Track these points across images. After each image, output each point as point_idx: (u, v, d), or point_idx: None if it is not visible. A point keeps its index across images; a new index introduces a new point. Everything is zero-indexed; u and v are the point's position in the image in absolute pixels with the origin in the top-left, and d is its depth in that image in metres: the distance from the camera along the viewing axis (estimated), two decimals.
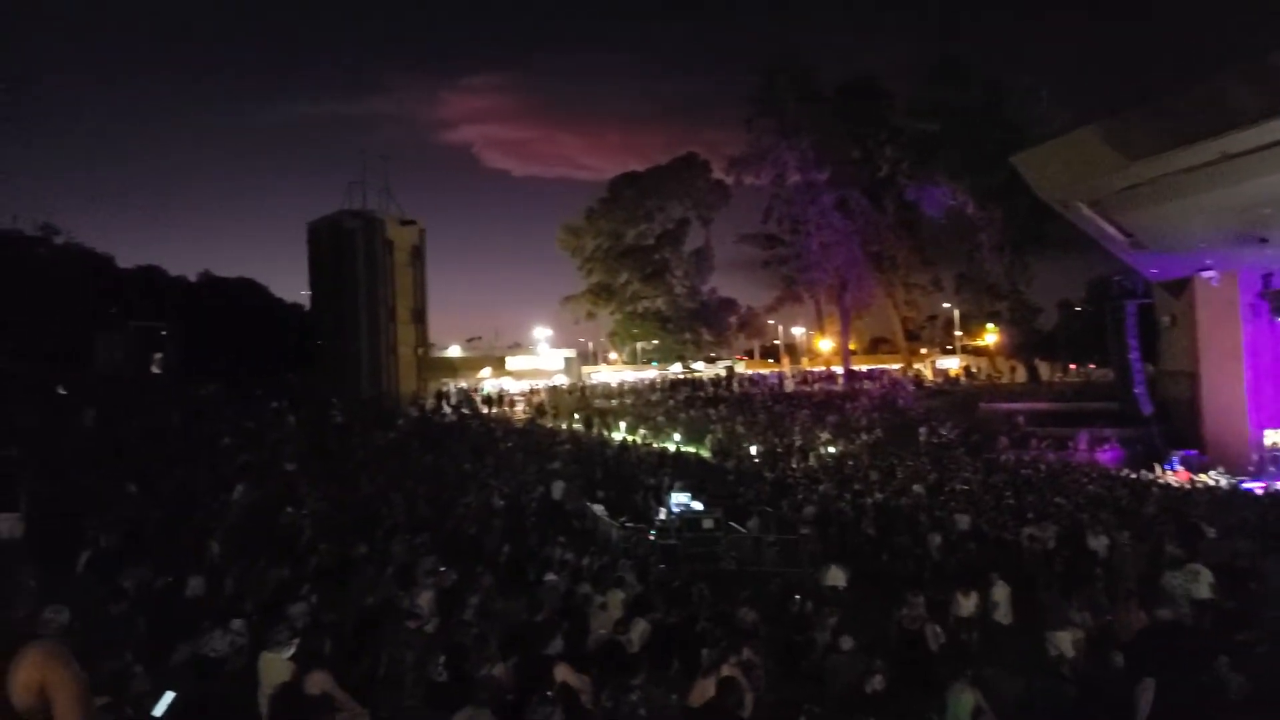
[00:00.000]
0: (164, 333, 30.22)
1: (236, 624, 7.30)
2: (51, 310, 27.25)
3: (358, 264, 37.63)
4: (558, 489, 20.65)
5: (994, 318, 60.51)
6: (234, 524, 12.59)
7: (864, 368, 62.00)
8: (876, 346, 73.84)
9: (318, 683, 5.98)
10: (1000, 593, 12.34)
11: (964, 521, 19.65)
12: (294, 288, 61.67)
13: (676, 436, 36.51)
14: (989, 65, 57.61)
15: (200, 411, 22.53)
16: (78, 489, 12.79)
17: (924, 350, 69.14)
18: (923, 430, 40.04)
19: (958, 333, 65.91)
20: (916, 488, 25.91)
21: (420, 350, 40.41)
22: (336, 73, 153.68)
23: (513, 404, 42.37)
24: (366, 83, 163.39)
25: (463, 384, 43.67)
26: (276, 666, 6.43)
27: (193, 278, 43.39)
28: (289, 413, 25.53)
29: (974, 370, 62.15)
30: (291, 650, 6.62)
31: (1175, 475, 33.37)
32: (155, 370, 28.72)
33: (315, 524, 13.37)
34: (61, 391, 21.27)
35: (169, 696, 5.74)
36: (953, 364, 64.14)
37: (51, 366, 24.16)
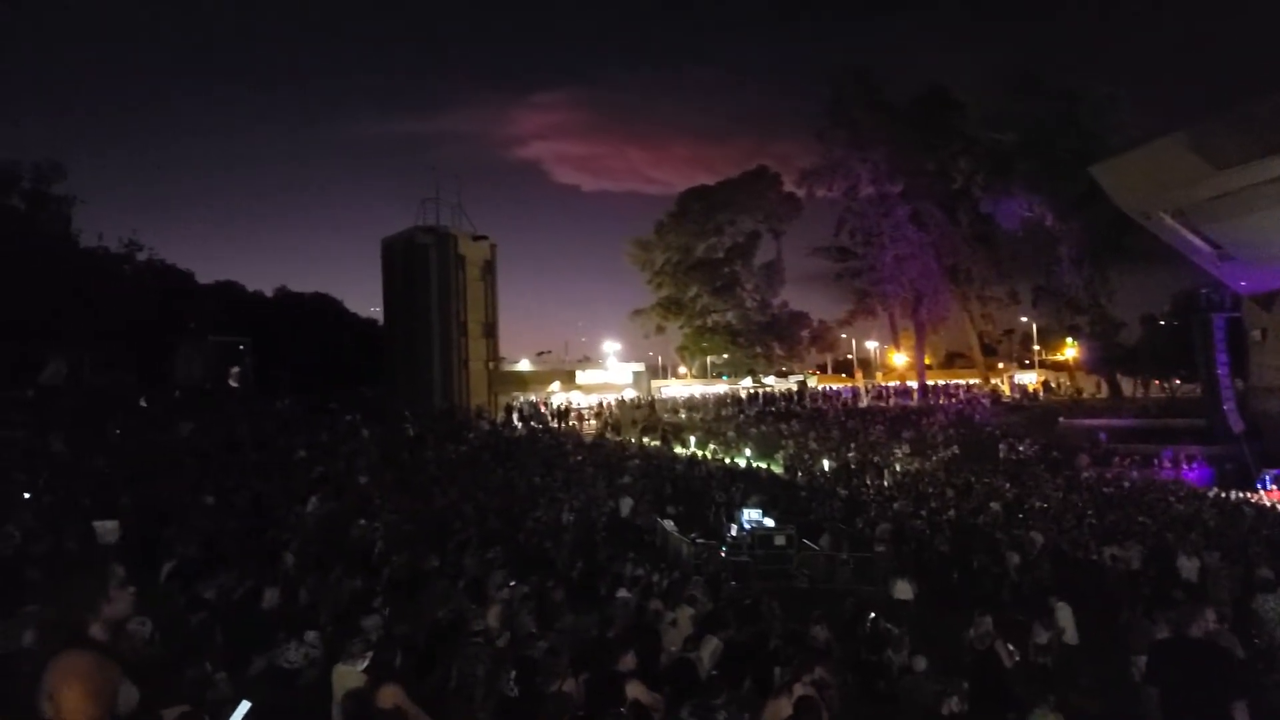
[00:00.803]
0: (241, 347, 30.95)
1: (310, 636, 7.35)
2: (135, 325, 28.12)
3: (430, 279, 38.21)
4: (625, 506, 20.59)
5: (1074, 332, 59.08)
6: (308, 536, 12.76)
7: (939, 382, 60.78)
8: (952, 361, 72.39)
9: (389, 696, 5.97)
10: (1064, 614, 11.90)
11: (1040, 540, 19.14)
12: (368, 303, 62.86)
13: (748, 452, 36.21)
14: (1064, 74, 56.53)
15: (276, 424, 22.97)
16: (161, 499, 13.11)
17: (1001, 365, 67.62)
18: (1001, 446, 39.09)
19: (1036, 347, 64.48)
20: (994, 505, 25.31)
21: (491, 364, 40.81)
22: (409, 92, 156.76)
23: (582, 418, 42.49)
24: (439, 101, 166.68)
25: (532, 397, 43.96)
26: (350, 679, 6.45)
27: (269, 293, 44.51)
28: (363, 426, 25.92)
29: (1053, 385, 60.54)
30: (365, 663, 6.65)
31: (1267, 495, 31.99)
32: (233, 384, 29.43)
33: (388, 536, 13.49)
34: (143, 404, 21.91)
35: (244, 706, 5.79)
36: (1031, 379, 62.59)
37: (135, 380, 24.89)
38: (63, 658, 2.72)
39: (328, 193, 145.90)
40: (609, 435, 38.14)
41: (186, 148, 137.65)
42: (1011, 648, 9.82)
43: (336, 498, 16.04)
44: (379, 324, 44.45)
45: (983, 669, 9.27)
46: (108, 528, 11.03)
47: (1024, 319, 65.50)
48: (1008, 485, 30.40)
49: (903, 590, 14.63)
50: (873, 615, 11.97)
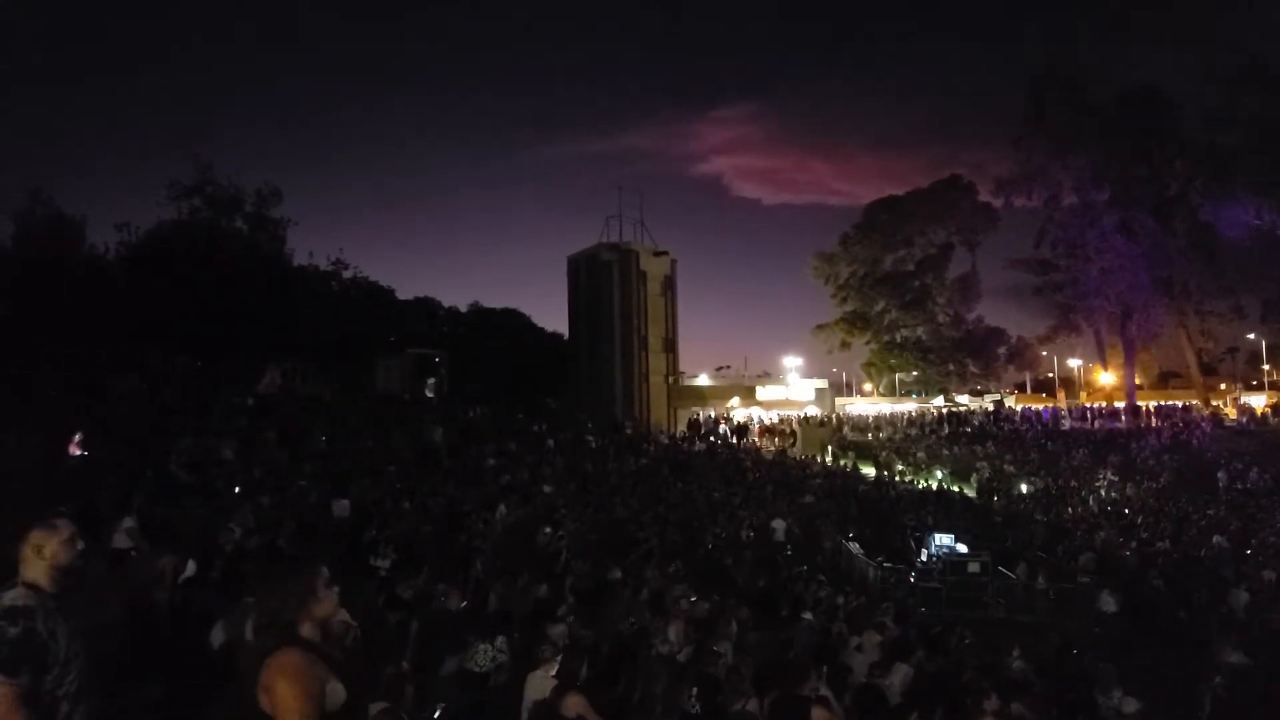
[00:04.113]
0: (437, 359, 32.39)
1: (499, 640, 7.48)
2: (341, 338, 29.96)
3: (613, 295, 39.03)
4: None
5: None
6: (498, 542, 13.12)
7: (1151, 404, 56.38)
8: (1166, 381, 67.06)
9: (573, 705, 5.98)
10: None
11: (1274, 577, 17.44)
12: (554, 317, 64.68)
13: (939, 474, 34.93)
14: None
15: (468, 433, 23.84)
16: (365, 503, 13.80)
17: (1223, 385, 62.14)
18: (1222, 475, 35.77)
19: (1265, 366, 59.05)
20: (1217, 539, 23.24)
21: (670, 378, 41.10)
22: (594, 112, 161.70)
23: (762, 434, 42.09)
24: (622, 120, 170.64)
25: (711, 412, 43.90)
26: (541, 685, 6.53)
27: (463, 308, 46.37)
28: (548, 436, 26.59)
29: None
30: (555, 668, 6.72)
31: None
32: (428, 394, 30.80)
33: (571, 545, 13.70)
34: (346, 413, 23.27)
35: (439, 708, 5.95)
36: (1260, 401, 57.07)
37: (341, 390, 26.46)
38: (278, 655, 2.90)
39: (517, 212, 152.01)
40: (790, 452, 37.64)
41: (385, 170, 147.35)
42: None
43: (523, 505, 16.46)
44: (564, 338, 45.67)
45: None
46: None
47: (1251, 335, 60.33)
48: (1232, 518, 27.84)
49: (1105, 602, 14.66)
50: (1076, 650, 11.21)
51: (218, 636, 6.28)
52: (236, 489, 13.01)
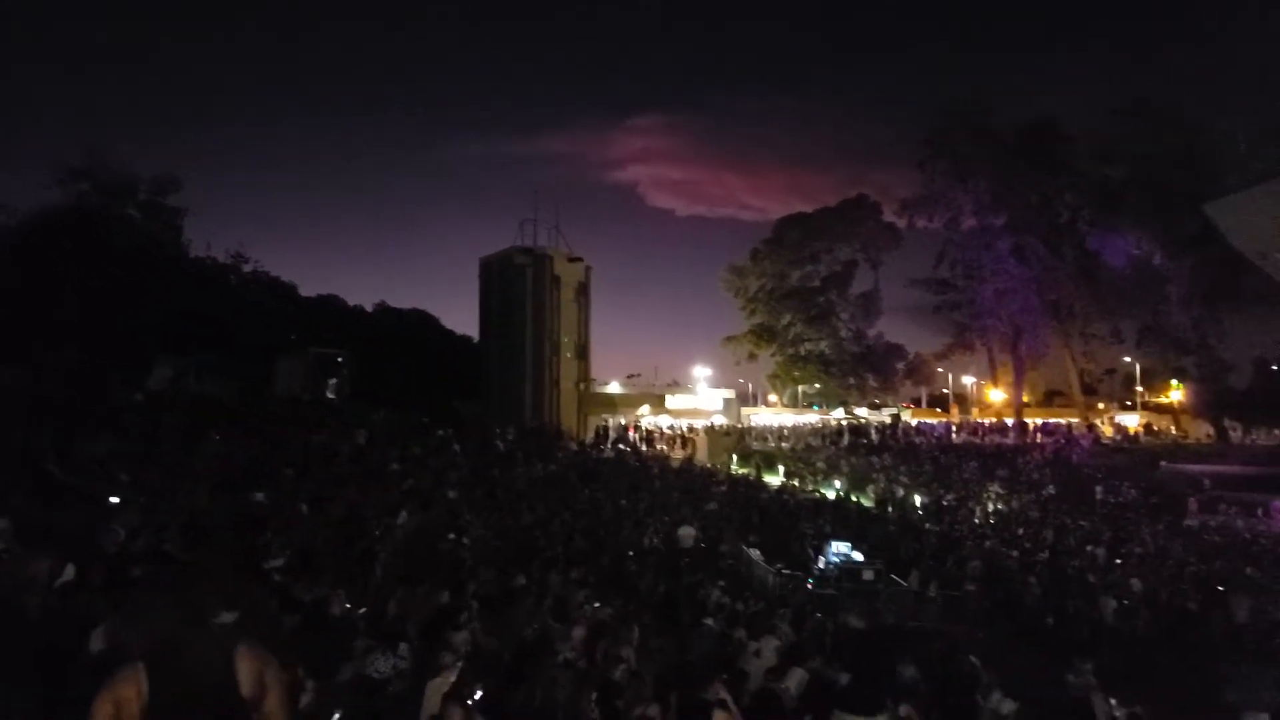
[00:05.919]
0: (340, 359, 31.43)
1: (401, 647, 7.36)
2: (239, 334, 28.93)
3: (526, 299, 38.75)
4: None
5: (1180, 374, 56.94)
6: (398, 548, 12.88)
7: (1037, 420, 58.84)
8: (1051, 399, 69.91)
9: (458, 715, 5.93)
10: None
11: (1139, 586, 18.38)
12: (464, 320, 63.90)
13: (837, 484, 35.66)
14: (1181, 107, 54.45)
15: (370, 436, 23.31)
16: (258, 506, 13.39)
17: (1101, 405, 65.18)
18: (1099, 489, 37.53)
19: (1138, 388, 62.20)
20: (1090, 548, 24.35)
21: (581, 385, 41.05)
22: (509, 114, 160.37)
23: (671, 442, 42.39)
24: (538, 123, 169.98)
25: (621, 420, 44.01)
26: (440, 692, 6.46)
27: (369, 308, 45.44)
28: (454, 441, 26.22)
29: (1155, 428, 58.14)
30: (454, 676, 6.65)
31: None
32: (330, 395, 29.93)
33: (475, 551, 13.54)
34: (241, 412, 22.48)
35: (335, 716, 5.84)
36: (1132, 420, 60.18)
37: (238, 388, 25.51)
38: (245, 646, 3.22)
39: (428, 211, 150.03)
40: (696, 461, 37.98)
41: (291, 165, 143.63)
42: (1112, 701, 9.28)
43: (426, 511, 16.19)
44: (474, 341, 45.12)
45: (1075, 717, 8.80)
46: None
47: (1127, 359, 63.25)
48: (1105, 529, 29.19)
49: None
50: (973, 658, 11.57)
51: (97, 643, 6.01)
52: (120, 490, 12.47)
